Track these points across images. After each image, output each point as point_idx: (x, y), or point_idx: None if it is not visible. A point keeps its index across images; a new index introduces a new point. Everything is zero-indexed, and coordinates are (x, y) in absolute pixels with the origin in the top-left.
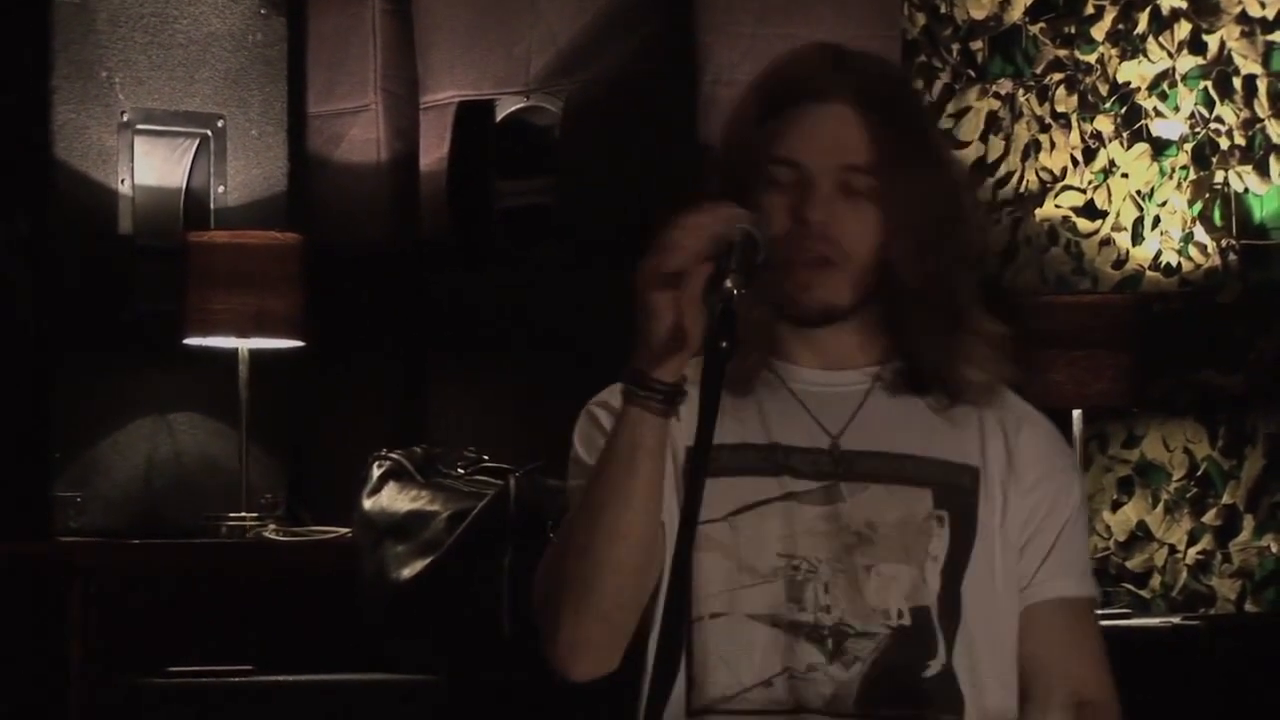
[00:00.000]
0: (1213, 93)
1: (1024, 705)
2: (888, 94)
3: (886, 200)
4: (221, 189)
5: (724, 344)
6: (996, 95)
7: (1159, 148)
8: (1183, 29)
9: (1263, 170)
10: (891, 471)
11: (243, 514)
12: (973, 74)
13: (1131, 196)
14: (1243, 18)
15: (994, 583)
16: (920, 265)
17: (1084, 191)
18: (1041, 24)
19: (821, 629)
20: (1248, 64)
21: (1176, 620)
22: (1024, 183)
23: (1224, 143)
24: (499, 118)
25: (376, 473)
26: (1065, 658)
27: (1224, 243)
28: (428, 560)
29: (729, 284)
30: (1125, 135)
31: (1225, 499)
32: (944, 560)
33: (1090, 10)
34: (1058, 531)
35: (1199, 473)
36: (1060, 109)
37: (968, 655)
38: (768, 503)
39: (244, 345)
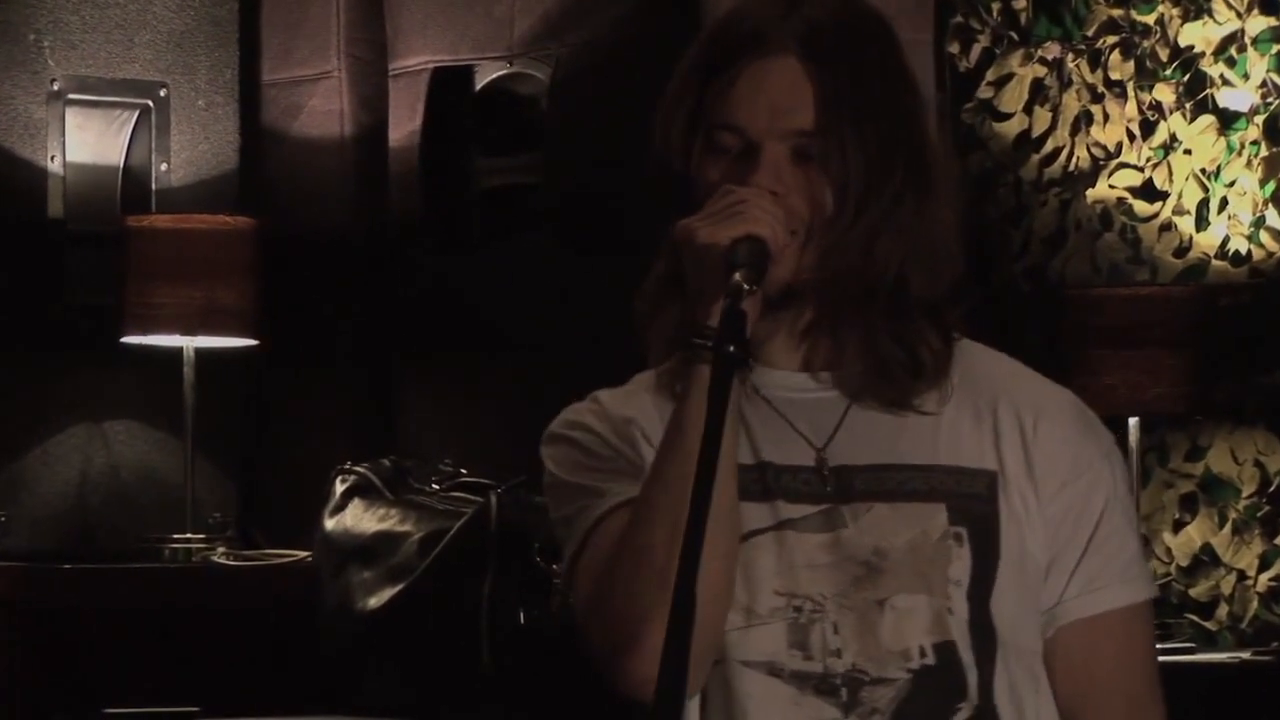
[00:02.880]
0: None
1: None
2: (842, 40)
3: (831, 163)
4: (164, 167)
5: (732, 348)
6: (1043, 60)
7: (1226, 120)
8: None
9: None
10: (896, 486)
11: (188, 535)
12: (1015, 36)
13: (1195, 175)
14: None
15: (1024, 604)
16: (847, 239)
17: (1141, 170)
18: None
19: (833, 678)
20: None
21: (1246, 655)
22: (1074, 160)
23: None
24: (478, 86)
25: (340, 489)
26: (1106, 687)
27: None
28: (398, 587)
29: (738, 278)
30: (1188, 106)
31: None
32: (968, 583)
33: None
34: (1087, 539)
35: (1271, 489)
36: (1115, 76)
37: (1009, 688)
38: (760, 533)
39: (189, 344)
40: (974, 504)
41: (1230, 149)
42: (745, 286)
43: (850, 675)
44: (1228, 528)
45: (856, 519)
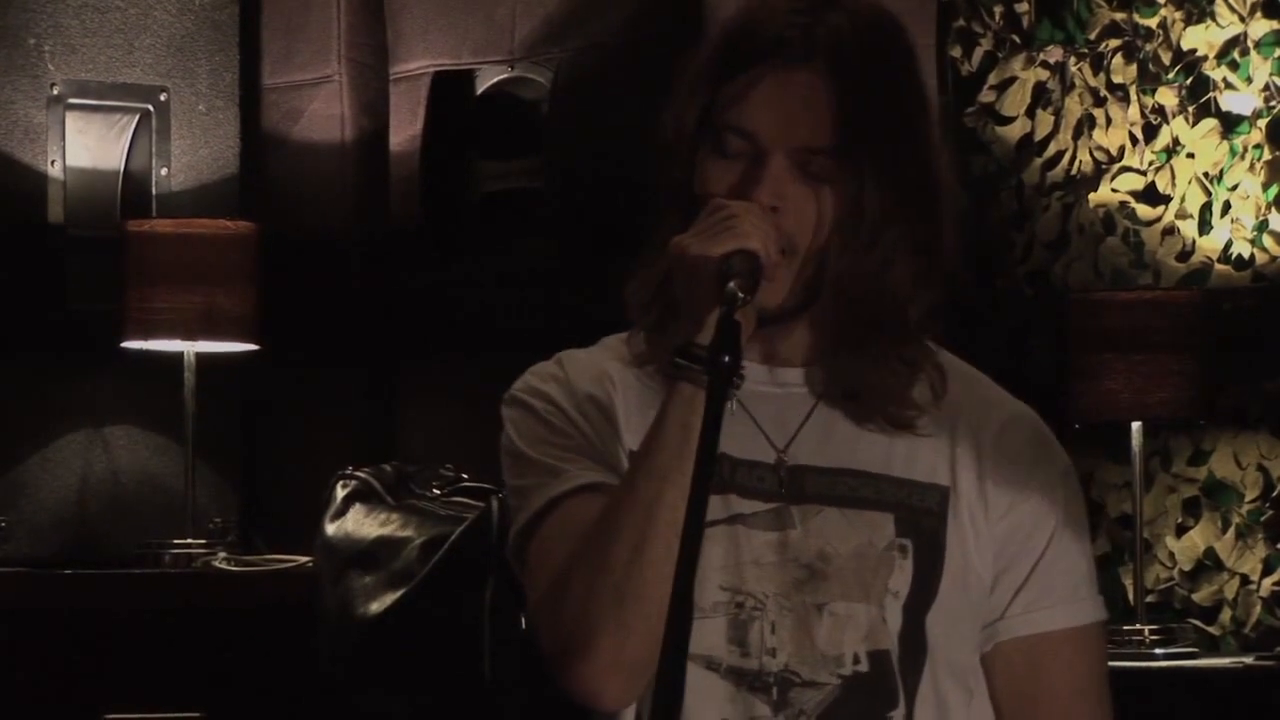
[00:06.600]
0: None
1: None
2: (866, 57)
3: (845, 185)
4: (165, 171)
5: (726, 358)
6: (1045, 64)
7: (1229, 124)
8: None
9: None
10: (847, 492)
11: (188, 540)
12: (1018, 40)
13: (1198, 179)
14: None
15: (963, 620)
16: (862, 265)
17: (1144, 174)
18: None
19: (766, 676)
20: None
21: (1249, 660)
22: (1076, 164)
23: None
24: (479, 90)
25: (341, 494)
26: (1049, 707)
27: None
28: (399, 593)
29: (733, 286)
30: (1191, 110)
31: None
32: (906, 595)
33: None
34: (1035, 559)
35: (1274, 493)
36: (1117, 80)
37: (934, 702)
38: (712, 525)
39: (190, 349)
40: (923, 518)
41: (1233, 153)
42: (740, 295)
43: (782, 675)
44: (1231, 532)
45: (805, 521)
